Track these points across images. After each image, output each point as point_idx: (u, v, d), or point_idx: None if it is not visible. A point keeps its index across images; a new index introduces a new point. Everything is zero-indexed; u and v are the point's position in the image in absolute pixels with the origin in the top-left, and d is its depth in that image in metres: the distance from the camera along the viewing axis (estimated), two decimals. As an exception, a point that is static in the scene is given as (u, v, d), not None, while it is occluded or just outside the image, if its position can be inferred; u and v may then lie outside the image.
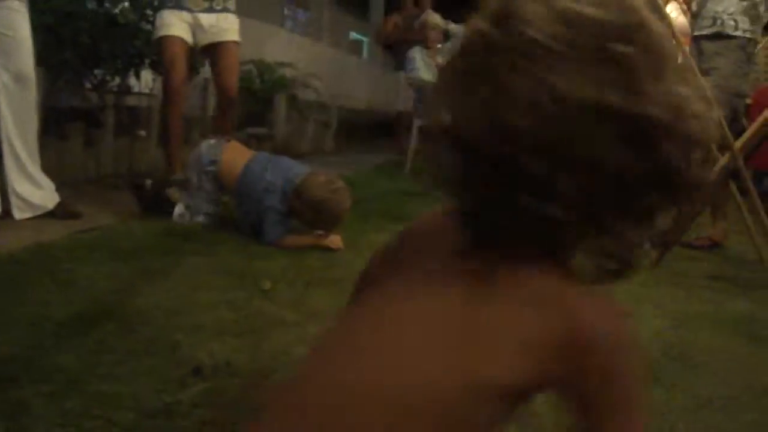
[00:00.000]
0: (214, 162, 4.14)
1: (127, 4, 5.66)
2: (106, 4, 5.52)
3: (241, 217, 4.14)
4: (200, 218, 4.22)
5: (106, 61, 5.68)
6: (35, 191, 4.02)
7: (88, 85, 5.83)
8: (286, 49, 10.51)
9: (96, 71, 5.78)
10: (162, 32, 4.77)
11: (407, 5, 9.58)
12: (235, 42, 4.93)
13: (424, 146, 0.96)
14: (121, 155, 5.84)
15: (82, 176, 5.36)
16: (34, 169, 4.04)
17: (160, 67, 5.40)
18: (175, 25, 4.77)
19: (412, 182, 6.74)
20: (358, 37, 18.22)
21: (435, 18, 7.90)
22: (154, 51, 5.40)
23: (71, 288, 2.76)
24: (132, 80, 6.18)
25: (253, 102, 8.35)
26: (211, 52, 4.93)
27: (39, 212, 4.00)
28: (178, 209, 4.26)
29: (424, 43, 7.76)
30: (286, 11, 13.49)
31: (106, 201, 4.71)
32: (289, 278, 3.19)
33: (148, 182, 4.50)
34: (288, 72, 8.81)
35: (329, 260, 3.63)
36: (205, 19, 4.82)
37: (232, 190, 4.15)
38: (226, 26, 4.89)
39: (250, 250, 3.67)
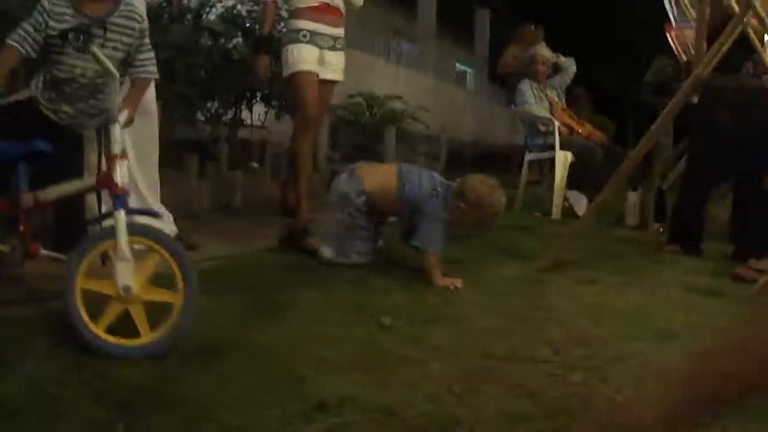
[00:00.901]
0: (362, 192, 3.94)
1: (240, 39, 5.77)
2: (221, 40, 5.62)
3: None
4: (357, 258, 3.97)
5: (220, 94, 5.79)
6: (154, 223, 4.05)
7: (201, 118, 5.94)
8: (393, 81, 10.56)
9: (209, 104, 5.88)
10: (298, 67, 4.99)
11: (523, 37, 9.48)
12: (339, 82, 5.25)
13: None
14: (235, 187, 5.89)
15: (197, 207, 5.42)
16: (154, 201, 4.08)
17: (282, 100, 5.59)
18: (309, 61, 5.00)
19: (523, 216, 6.65)
20: (463, 68, 18.21)
21: (545, 51, 7.78)
22: (277, 85, 5.60)
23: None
24: (244, 113, 6.29)
25: (362, 135, 8.38)
26: (321, 85, 5.10)
27: None
28: (328, 252, 4.03)
29: (534, 77, 7.65)
30: (392, 43, 13.58)
31: (220, 232, 4.76)
32: (409, 314, 3.11)
33: (287, 232, 4.40)
34: (397, 104, 8.82)
35: (448, 297, 3.54)
36: (329, 56, 5.08)
37: (398, 209, 3.98)
38: (341, 66, 5.18)
39: (368, 285, 3.60)
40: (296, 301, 3.19)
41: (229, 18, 5.80)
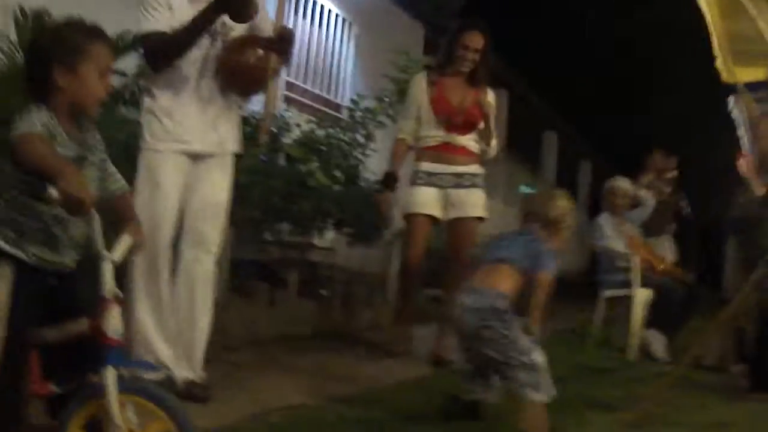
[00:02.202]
0: (502, 296, 3.53)
1: (317, 164, 5.68)
2: (298, 165, 5.53)
3: None
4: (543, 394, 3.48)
5: (292, 219, 5.67)
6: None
7: (269, 238, 5.80)
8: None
9: (278, 226, 5.76)
10: (409, 209, 5.18)
11: (654, 165, 9.06)
12: (479, 217, 5.19)
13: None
14: (304, 316, 5.71)
15: (263, 337, 5.23)
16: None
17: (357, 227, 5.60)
18: (429, 204, 5.13)
19: (599, 356, 6.31)
20: (529, 190, 18.06)
21: (624, 183, 7.55)
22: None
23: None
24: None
25: (434, 261, 8.18)
26: (455, 224, 5.17)
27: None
28: (489, 396, 3.68)
29: (611, 209, 7.42)
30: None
31: (287, 369, 4.55)
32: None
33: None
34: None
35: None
36: (455, 194, 5.13)
37: (529, 284, 3.68)
38: (474, 201, 5.16)
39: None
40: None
41: (307, 143, 5.73)
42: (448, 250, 5.32)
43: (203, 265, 3.67)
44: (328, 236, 6.33)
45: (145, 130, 3.59)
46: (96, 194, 2.44)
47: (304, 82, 8.18)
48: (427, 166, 5.17)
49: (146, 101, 3.66)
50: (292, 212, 5.52)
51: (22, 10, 4.50)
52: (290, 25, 3.79)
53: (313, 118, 6.80)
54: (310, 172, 5.48)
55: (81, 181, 2.20)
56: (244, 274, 5.29)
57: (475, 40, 5.13)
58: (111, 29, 2.74)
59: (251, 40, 3.60)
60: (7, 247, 2.38)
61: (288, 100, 7.42)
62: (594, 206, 19.34)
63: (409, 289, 5.44)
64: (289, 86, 7.73)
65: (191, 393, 3.54)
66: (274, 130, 5.63)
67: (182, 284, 3.66)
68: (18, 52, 4.44)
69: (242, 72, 3.57)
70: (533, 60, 15.28)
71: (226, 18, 3.51)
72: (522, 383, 3.42)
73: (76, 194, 2.15)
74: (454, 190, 5.14)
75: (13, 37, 4.50)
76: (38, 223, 2.40)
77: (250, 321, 5.13)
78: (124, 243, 2.46)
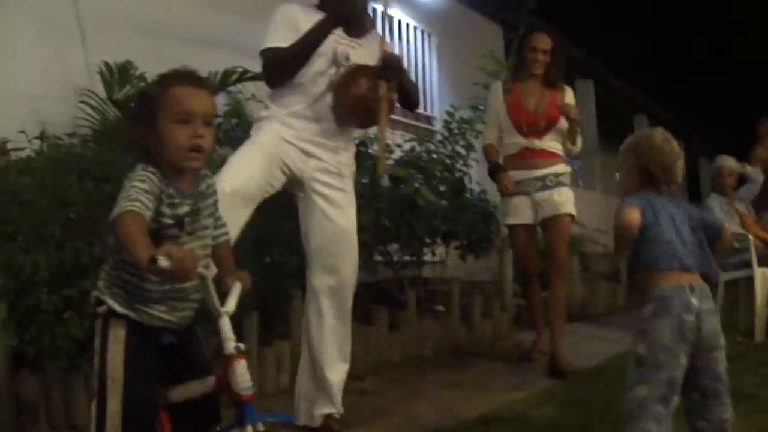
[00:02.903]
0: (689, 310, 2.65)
1: (420, 184, 5.60)
2: (401, 186, 5.47)
3: None
4: None
5: (401, 239, 5.61)
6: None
7: (379, 259, 5.75)
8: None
9: (388, 247, 5.70)
10: (506, 220, 5.45)
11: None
12: (567, 214, 5.23)
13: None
14: (424, 335, 5.65)
15: (387, 362, 5.19)
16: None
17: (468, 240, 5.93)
18: (521, 211, 5.29)
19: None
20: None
21: (730, 161, 7.30)
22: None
23: None
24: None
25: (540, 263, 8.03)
26: (546, 223, 5.26)
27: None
28: None
29: (721, 190, 7.18)
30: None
31: (418, 390, 4.51)
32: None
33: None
34: (575, 228, 8.46)
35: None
36: (542, 196, 5.22)
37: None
38: (561, 200, 5.21)
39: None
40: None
41: (409, 161, 5.68)
42: (547, 252, 5.39)
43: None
44: (439, 251, 6.25)
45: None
46: (207, 250, 2.37)
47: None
48: (512, 174, 5.26)
49: (262, 112, 3.71)
50: (403, 233, 5.46)
51: (107, 65, 4.57)
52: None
53: (406, 135, 6.75)
54: (416, 190, 5.41)
55: (180, 255, 2.01)
56: (360, 299, 5.24)
57: (543, 41, 5.23)
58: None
59: (364, 69, 3.55)
60: (118, 308, 2.26)
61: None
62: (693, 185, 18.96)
63: (530, 295, 5.62)
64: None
65: (330, 428, 3.52)
66: (390, 160, 5.62)
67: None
68: (108, 107, 4.52)
69: (355, 103, 3.53)
70: (615, 46, 15.07)
71: (352, 52, 3.56)
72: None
73: (180, 271, 2.02)
74: (540, 193, 5.22)
75: (102, 93, 4.57)
76: (150, 286, 2.27)
77: (374, 346, 5.10)
78: (235, 292, 2.34)
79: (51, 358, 3.36)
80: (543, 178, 5.22)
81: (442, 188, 5.69)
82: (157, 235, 2.18)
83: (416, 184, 5.47)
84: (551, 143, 5.27)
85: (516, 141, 5.27)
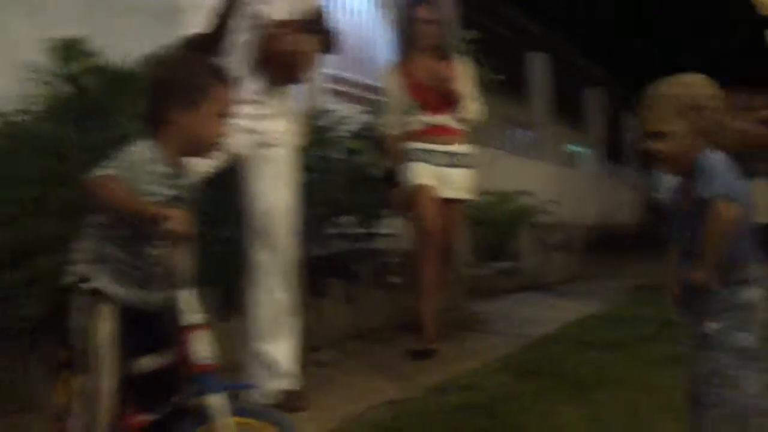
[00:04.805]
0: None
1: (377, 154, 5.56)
2: (356, 157, 5.45)
3: None
4: None
5: (354, 211, 5.59)
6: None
7: (332, 231, 5.72)
8: (515, 171, 10.31)
9: (342, 220, 5.67)
10: (413, 182, 4.89)
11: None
12: (463, 200, 5.06)
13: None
14: (378, 308, 5.67)
15: (340, 335, 5.21)
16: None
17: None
18: (424, 175, 4.89)
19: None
20: (576, 149, 17.87)
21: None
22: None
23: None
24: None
25: (492, 233, 8.09)
26: (444, 205, 4.96)
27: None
28: None
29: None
30: (507, 133, 13.44)
31: (374, 361, 4.55)
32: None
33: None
34: (526, 198, 8.54)
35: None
36: (448, 173, 4.97)
37: None
38: (465, 183, 5.05)
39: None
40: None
41: (365, 135, 5.64)
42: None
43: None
44: (394, 223, 6.23)
45: None
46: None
47: (347, 71, 7.95)
48: (418, 144, 4.95)
49: None
50: (357, 205, 5.45)
51: (59, 40, 4.42)
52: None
53: (360, 107, 6.68)
54: (370, 162, 5.39)
55: (183, 218, 2.20)
56: (316, 272, 5.23)
57: (427, 12, 5.00)
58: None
59: (287, 24, 3.44)
60: (105, 284, 2.29)
61: (337, 94, 7.30)
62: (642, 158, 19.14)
63: (428, 279, 4.93)
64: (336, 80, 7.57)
65: (290, 404, 3.48)
66: (325, 124, 5.52)
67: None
68: (60, 83, 4.40)
69: (279, 58, 3.43)
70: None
71: (269, 7, 3.45)
72: None
73: (185, 232, 2.20)
74: (448, 168, 4.98)
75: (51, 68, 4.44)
76: (138, 262, 2.33)
77: (329, 319, 5.11)
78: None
79: (6, 337, 3.31)
80: (452, 155, 5.00)
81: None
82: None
83: (371, 157, 5.43)
84: (455, 122, 5.05)
85: (418, 118, 5.00)
